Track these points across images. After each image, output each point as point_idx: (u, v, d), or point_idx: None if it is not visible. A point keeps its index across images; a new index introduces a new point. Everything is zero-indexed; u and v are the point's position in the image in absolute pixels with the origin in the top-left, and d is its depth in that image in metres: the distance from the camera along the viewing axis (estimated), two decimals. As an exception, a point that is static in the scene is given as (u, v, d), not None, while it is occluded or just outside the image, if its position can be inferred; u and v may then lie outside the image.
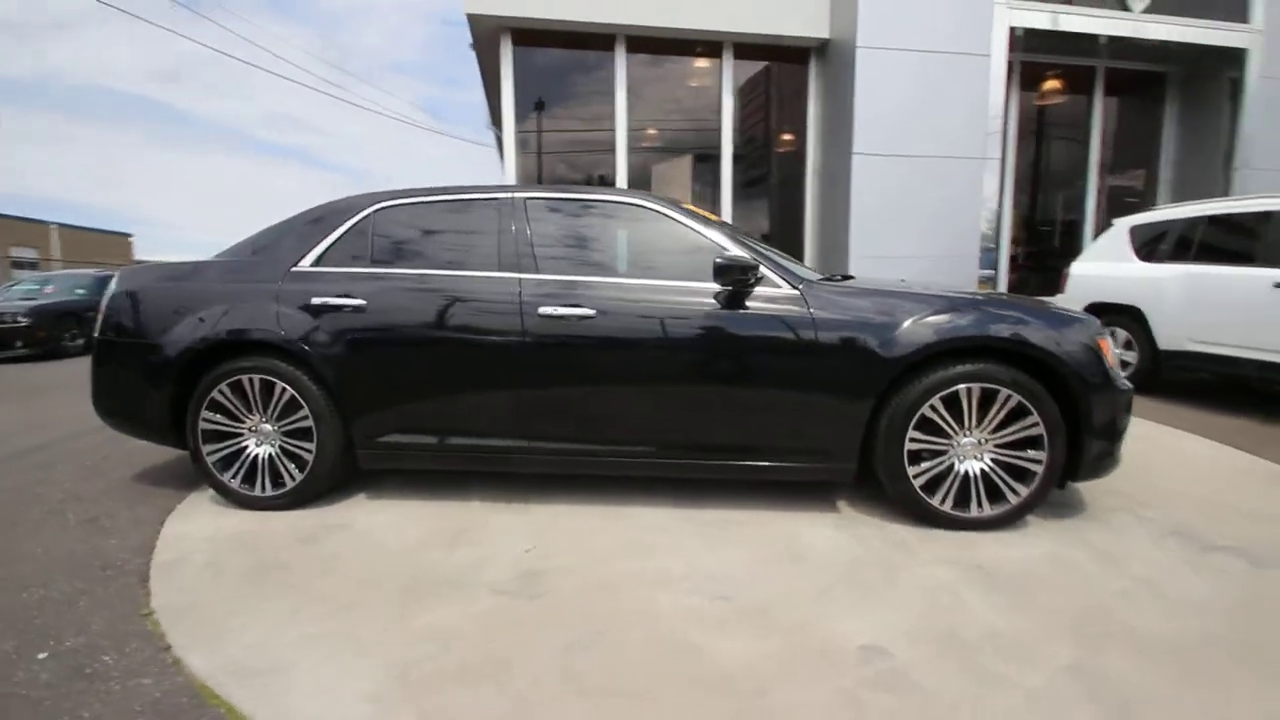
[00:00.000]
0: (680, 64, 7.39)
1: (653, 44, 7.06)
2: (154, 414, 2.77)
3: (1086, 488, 2.89)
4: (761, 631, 1.82)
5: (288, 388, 2.65)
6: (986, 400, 2.43)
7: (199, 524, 2.61)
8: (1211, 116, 7.55)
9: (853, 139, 6.57)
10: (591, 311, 2.51)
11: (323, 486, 2.75)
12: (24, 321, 8.53)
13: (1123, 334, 5.14)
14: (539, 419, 2.59)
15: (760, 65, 7.55)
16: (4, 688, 1.59)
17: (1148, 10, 7.03)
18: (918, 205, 6.74)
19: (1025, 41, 7.27)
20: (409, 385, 2.63)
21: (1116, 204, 8.44)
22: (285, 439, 2.71)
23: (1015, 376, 2.39)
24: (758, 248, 2.69)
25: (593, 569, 2.19)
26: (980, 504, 2.46)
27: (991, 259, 7.27)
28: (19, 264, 23.97)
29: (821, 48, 7.23)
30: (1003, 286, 7.68)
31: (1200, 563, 2.23)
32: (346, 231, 2.77)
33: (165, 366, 2.69)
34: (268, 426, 2.73)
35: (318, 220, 2.82)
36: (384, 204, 2.80)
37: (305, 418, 2.66)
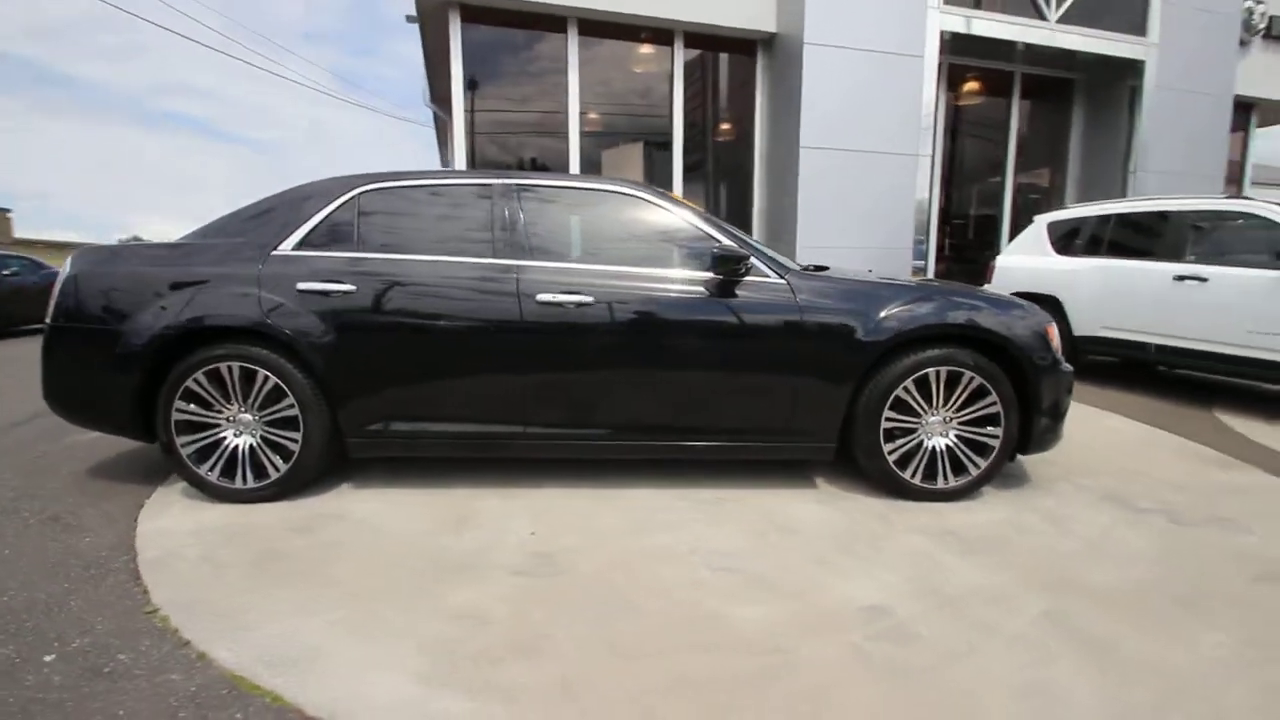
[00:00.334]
0: (632, 50, 7.41)
1: (605, 28, 7.04)
2: (118, 405, 2.62)
3: (1029, 460, 3.21)
4: (770, 598, 1.96)
5: (270, 375, 2.57)
6: (952, 382, 2.66)
7: (178, 519, 2.50)
8: (1113, 121, 8.29)
9: (799, 132, 6.82)
10: (590, 298, 2.56)
11: (309, 477, 2.69)
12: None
13: (1043, 321, 5.62)
14: (536, 404, 2.63)
15: (711, 55, 7.66)
16: (17, 692, 1.52)
17: (1061, 20, 7.62)
18: (859, 198, 7.09)
19: (953, 45, 7.72)
20: (402, 372, 2.61)
21: (1030, 200, 9.15)
22: (267, 428, 2.63)
23: (977, 360, 2.64)
24: (743, 238, 2.82)
25: (600, 548, 2.27)
26: (946, 477, 2.70)
27: (921, 250, 7.75)
28: None
29: (768, 41, 7.43)
30: (930, 276, 8.20)
31: (1132, 522, 2.56)
32: (330, 214, 2.69)
33: (132, 355, 2.55)
34: (247, 416, 2.64)
35: (299, 202, 2.73)
36: (370, 186, 2.74)
37: (290, 406, 2.59)
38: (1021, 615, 1.87)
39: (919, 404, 2.67)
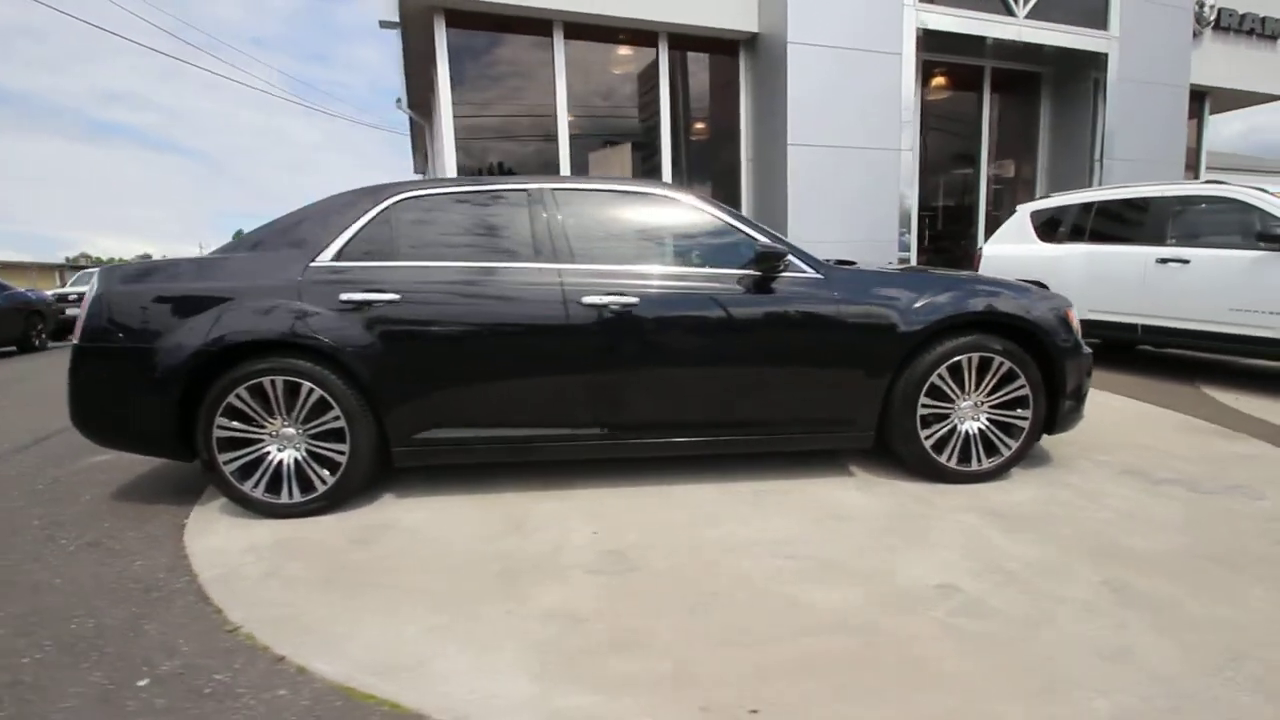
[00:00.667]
0: (618, 52, 7.44)
1: (590, 31, 7.07)
2: (155, 425, 2.56)
3: (1047, 441, 3.35)
4: (844, 581, 2.03)
5: (315, 388, 2.55)
6: (982, 367, 2.77)
7: (227, 537, 2.46)
8: (1080, 112, 8.63)
9: (787, 130, 6.94)
10: (635, 299, 2.60)
11: (355, 488, 2.67)
12: None
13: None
14: (584, 406, 2.66)
15: (695, 56, 7.74)
16: (121, 718, 1.50)
17: (1029, 16, 7.91)
18: (844, 193, 7.25)
19: (927, 42, 7.95)
20: (450, 379, 2.60)
21: (1003, 190, 9.47)
22: (312, 441, 2.60)
23: (1006, 345, 2.75)
24: (777, 235, 2.88)
25: (666, 543, 2.31)
26: (980, 459, 2.81)
27: (904, 242, 7.96)
28: None
29: (750, 41, 7.54)
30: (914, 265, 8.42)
31: (1155, 493, 2.70)
32: (366, 224, 2.68)
33: (170, 373, 2.50)
34: (291, 430, 2.61)
35: (332, 213, 2.70)
36: (404, 195, 2.73)
37: (336, 418, 2.57)
38: (1082, 584, 1.98)
39: (952, 389, 2.77)
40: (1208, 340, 4.58)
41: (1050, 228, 5.89)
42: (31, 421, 4.67)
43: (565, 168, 7.18)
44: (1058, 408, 2.84)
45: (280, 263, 2.61)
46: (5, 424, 4.63)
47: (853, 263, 3.15)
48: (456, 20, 6.58)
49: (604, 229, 2.79)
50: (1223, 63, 9.55)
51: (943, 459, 2.79)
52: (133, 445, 2.69)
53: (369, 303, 2.55)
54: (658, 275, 2.67)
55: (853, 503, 2.66)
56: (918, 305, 2.70)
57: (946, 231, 9.57)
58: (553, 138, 7.14)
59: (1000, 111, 9.21)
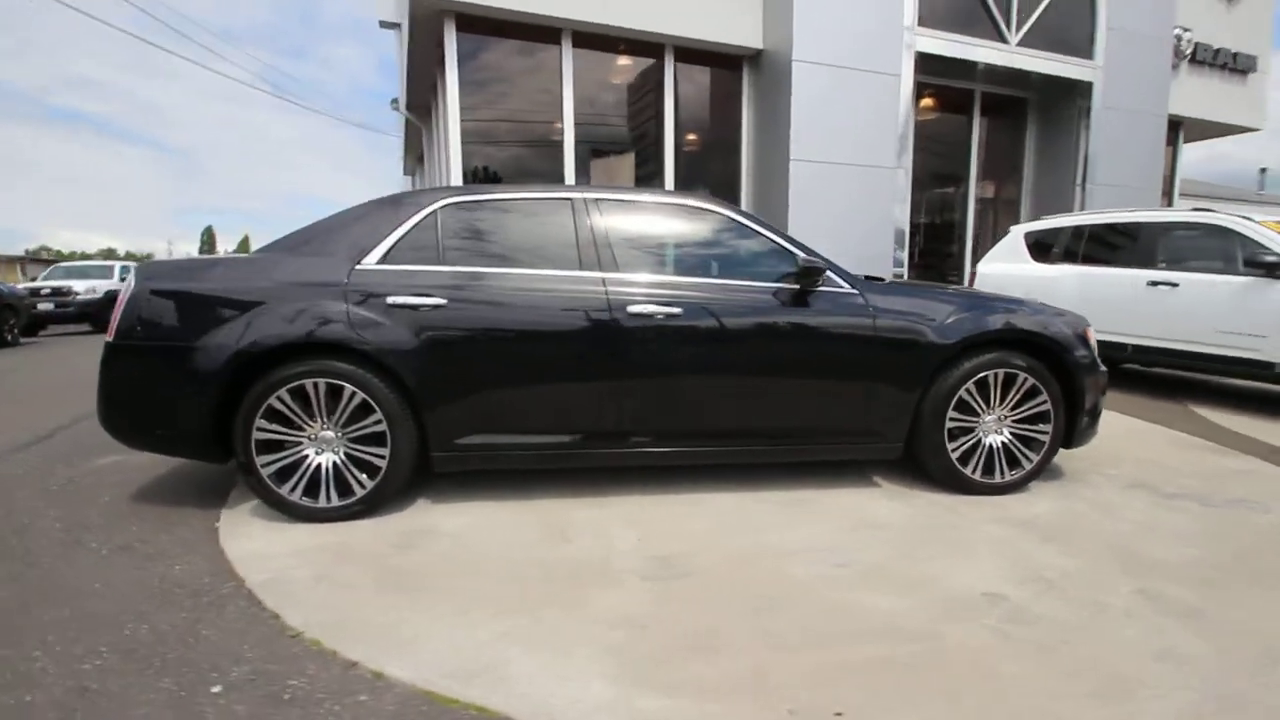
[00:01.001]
0: (624, 63, 7.52)
1: (598, 40, 7.13)
2: (193, 426, 2.53)
3: (1056, 457, 3.47)
4: (893, 588, 2.09)
5: (358, 391, 2.54)
6: (1007, 383, 2.88)
7: (267, 541, 2.44)
8: (1065, 138, 8.94)
9: (790, 145, 7.07)
10: (679, 309, 2.65)
11: (393, 493, 2.66)
12: None
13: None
14: (627, 414, 2.69)
15: (700, 69, 7.85)
16: (206, 722, 1.48)
17: (1020, 44, 8.19)
18: (842, 206, 7.40)
19: (922, 64, 8.17)
20: (494, 385, 2.62)
21: (988, 210, 9.74)
22: (351, 445, 2.59)
23: (1030, 362, 2.86)
24: (811, 249, 2.96)
25: (711, 551, 2.35)
26: (1003, 472, 2.91)
27: (899, 259, 8.14)
28: None
29: (754, 57, 7.68)
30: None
31: (1168, 506, 2.82)
32: (412, 228, 2.68)
33: (211, 373, 2.47)
34: (329, 433, 2.59)
35: (377, 216, 2.71)
36: (450, 200, 2.74)
37: (378, 422, 2.56)
38: (1118, 592, 2.07)
39: (978, 404, 2.87)
40: (1195, 360, 4.78)
41: (1043, 248, 6.09)
42: (26, 419, 4.54)
43: (570, 175, 7.21)
44: (1076, 423, 2.95)
45: (326, 265, 2.60)
46: (10, 421, 4.48)
47: (881, 279, 3.24)
48: (467, 24, 6.59)
49: (647, 240, 2.84)
50: (1197, 95, 9.99)
51: (968, 471, 2.88)
52: (165, 447, 2.65)
53: (415, 307, 2.55)
54: (701, 286, 2.72)
55: (883, 512, 2.73)
56: (949, 321, 2.80)
57: (933, 249, 9.81)
58: (558, 144, 7.17)
59: (988, 134, 9.49)
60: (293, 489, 2.56)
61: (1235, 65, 10.28)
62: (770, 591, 2.06)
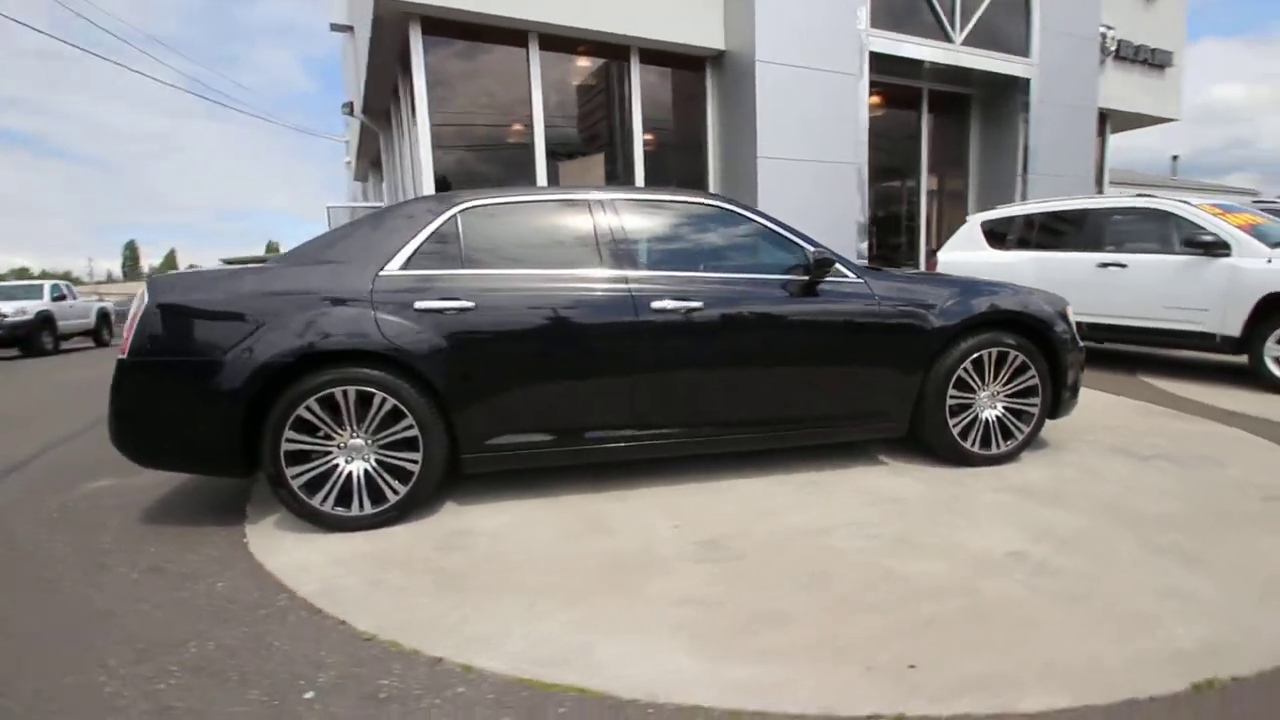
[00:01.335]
0: (593, 65, 7.58)
1: (566, 43, 7.17)
2: (218, 441, 2.48)
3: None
4: (924, 555, 2.25)
5: (388, 397, 2.54)
6: (999, 361, 3.09)
7: (304, 552, 2.42)
8: (1007, 132, 9.47)
9: (757, 144, 7.28)
10: (699, 304, 2.75)
11: (425, 497, 2.67)
12: None
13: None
14: (651, 407, 2.77)
15: (664, 70, 7.98)
16: (309, 726, 1.50)
17: (964, 43, 8.63)
18: (811, 203, 7.66)
19: (875, 64, 8.53)
20: (523, 386, 2.66)
21: (936, 201, 10.22)
22: (382, 452, 2.59)
23: (1019, 340, 3.08)
24: (816, 241, 3.10)
25: (750, 532, 2.46)
26: (998, 443, 3.13)
27: (860, 249, 8.47)
28: None
29: (717, 58, 7.86)
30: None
31: (1145, 467, 3.09)
32: (433, 233, 2.70)
33: (238, 386, 2.43)
34: (359, 441, 2.59)
35: (397, 222, 2.71)
36: (469, 204, 2.77)
37: (409, 427, 2.57)
38: (1123, 544, 2.28)
39: (975, 381, 3.07)
40: (1146, 334, 5.18)
41: (998, 236, 6.46)
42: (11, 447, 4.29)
43: (540, 176, 7.23)
44: (1059, 395, 3.20)
45: (349, 272, 2.59)
46: (-40, 453, 4.22)
47: (880, 268, 3.42)
48: (433, 27, 6.53)
49: (663, 237, 2.93)
50: (1121, 89, 10.73)
51: (967, 444, 3.08)
52: (187, 464, 2.59)
53: (444, 310, 2.57)
54: (718, 280, 2.83)
55: (895, 487, 2.90)
56: (947, 305, 2.99)
57: (888, 240, 10.23)
58: (528, 146, 7.17)
59: (935, 129, 9.95)
60: (324, 499, 2.55)
61: (1154, 61, 11.10)
62: (815, 566, 2.18)
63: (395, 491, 2.60)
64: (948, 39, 8.53)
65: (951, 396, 3.04)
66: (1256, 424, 3.80)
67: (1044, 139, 9.21)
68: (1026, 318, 3.09)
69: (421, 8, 6.32)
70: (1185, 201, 5.08)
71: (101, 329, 14.44)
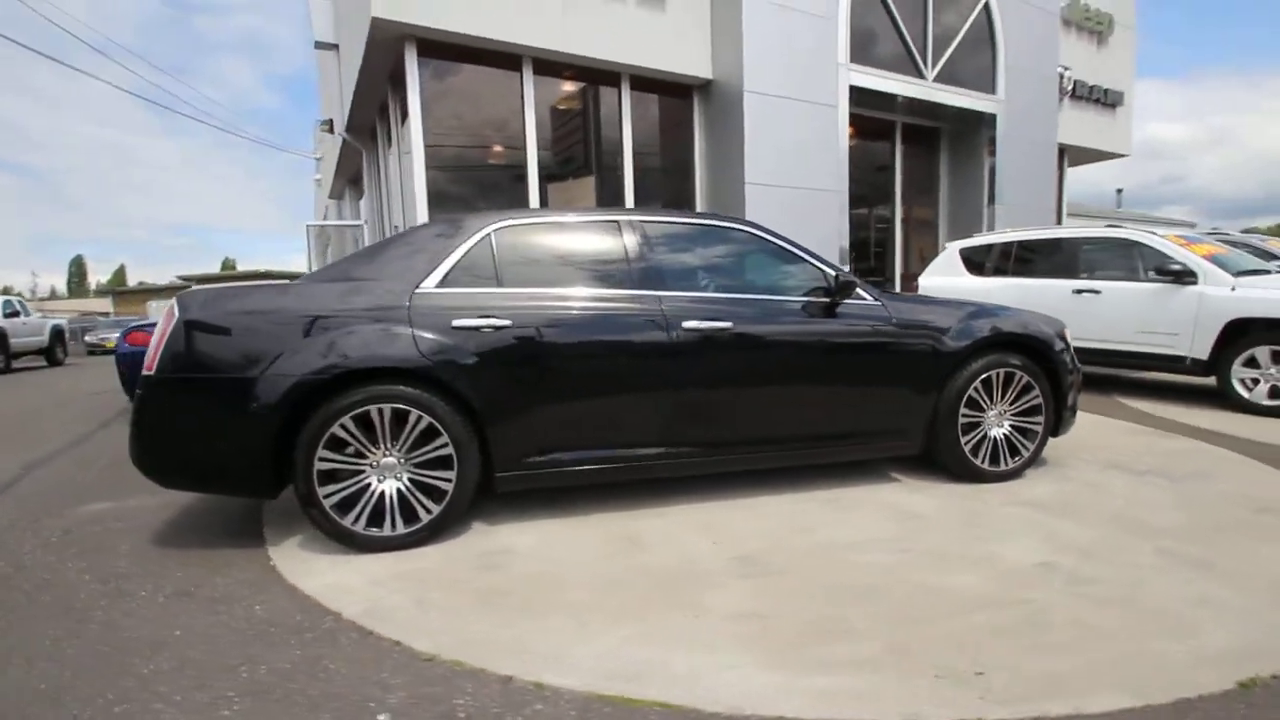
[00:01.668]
0: (584, 90, 7.70)
1: (559, 68, 7.28)
2: (249, 460, 2.42)
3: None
4: (960, 567, 2.32)
5: (424, 415, 2.53)
6: (1007, 381, 3.23)
7: (339, 573, 2.37)
8: (975, 164, 9.94)
9: (744, 170, 7.48)
10: (729, 323, 2.82)
11: (458, 516, 2.65)
12: None
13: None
14: (682, 425, 2.81)
15: (654, 96, 8.16)
16: (393, 747, 1.47)
17: (936, 79, 9.07)
18: (795, 229, 7.80)
19: (853, 97, 8.89)
20: (559, 402, 2.67)
21: (911, 228, 10.61)
22: (415, 470, 2.57)
23: (1025, 362, 3.23)
24: (835, 264, 3.22)
25: (786, 548, 2.51)
26: (1006, 460, 3.25)
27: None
28: None
29: (704, 86, 8.08)
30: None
31: (1142, 482, 3.25)
32: (469, 251, 2.71)
33: (271, 405, 2.39)
34: (391, 459, 2.56)
35: (431, 240, 2.72)
36: (503, 223, 2.79)
37: (444, 445, 2.55)
38: (1143, 554, 2.39)
39: (984, 400, 3.20)
40: (1120, 357, 5.46)
41: (975, 264, 6.75)
42: (-34, 472, 4.07)
43: (533, 198, 7.28)
44: (1061, 413, 3.35)
45: (384, 289, 2.58)
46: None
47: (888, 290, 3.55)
48: (428, 49, 6.57)
49: (691, 258, 3.00)
50: (1077, 126, 11.39)
51: (978, 461, 3.20)
52: (212, 484, 2.52)
53: (478, 328, 2.58)
54: (745, 302, 2.91)
55: (914, 503, 2.99)
56: (960, 327, 3.12)
57: (864, 265, 10.57)
58: (521, 167, 7.23)
59: (908, 160, 10.38)
60: (356, 519, 2.50)
61: (1106, 100, 11.83)
62: (857, 580, 2.23)
63: (428, 511, 2.57)
64: (920, 75, 8.95)
65: (963, 415, 3.16)
66: (1234, 442, 4.04)
67: (1010, 172, 9.69)
68: (1031, 339, 3.25)
69: (418, 29, 6.36)
70: (1153, 232, 5.41)
71: (55, 347, 13.81)
